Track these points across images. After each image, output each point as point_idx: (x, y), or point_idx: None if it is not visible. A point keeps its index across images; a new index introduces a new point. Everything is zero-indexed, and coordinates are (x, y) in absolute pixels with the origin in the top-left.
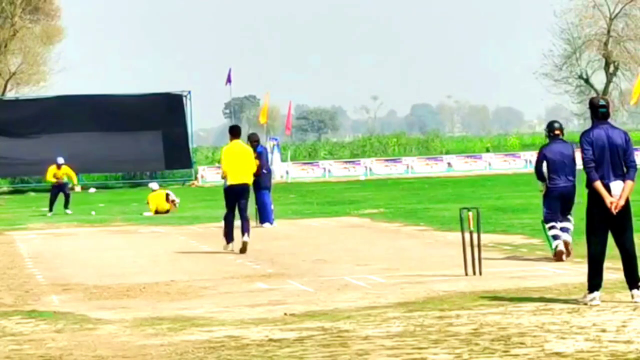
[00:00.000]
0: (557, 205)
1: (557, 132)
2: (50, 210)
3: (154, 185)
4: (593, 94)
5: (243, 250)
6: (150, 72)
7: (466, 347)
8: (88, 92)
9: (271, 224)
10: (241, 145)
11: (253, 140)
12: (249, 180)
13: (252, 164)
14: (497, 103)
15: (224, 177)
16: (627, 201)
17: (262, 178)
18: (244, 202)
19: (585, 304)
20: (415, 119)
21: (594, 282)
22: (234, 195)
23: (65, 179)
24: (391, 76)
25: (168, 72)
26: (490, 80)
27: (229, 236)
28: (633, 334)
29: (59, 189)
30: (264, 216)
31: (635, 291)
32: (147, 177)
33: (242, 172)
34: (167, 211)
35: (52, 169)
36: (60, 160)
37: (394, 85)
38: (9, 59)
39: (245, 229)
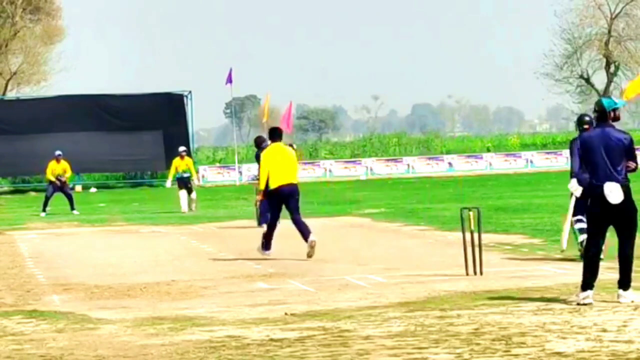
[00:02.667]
0: (582, 200)
1: (586, 126)
2: (44, 210)
3: (180, 147)
4: (594, 94)
5: (311, 254)
6: (151, 72)
7: (467, 346)
8: (89, 91)
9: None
10: (283, 148)
11: (263, 141)
12: (296, 179)
13: (296, 165)
14: (498, 103)
15: (259, 191)
16: (633, 206)
17: None
18: (294, 202)
19: (578, 303)
20: (416, 118)
21: (588, 281)
22: (280, 198)
23: (63, 176)
24: (392, 76)
25: (169, 72)
26: (491, 80)
27: (267, 244)
28: (634, 334)
29: (56, 188)
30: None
31: (621, 291)
32: (148, 176)
33: (288, 172)
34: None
35: (51, 164)
36: (58, 152)
37: (395, 85)
38: (9, 59)
39: (304, 232)
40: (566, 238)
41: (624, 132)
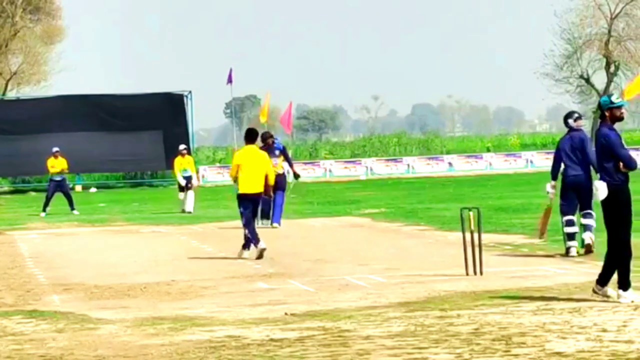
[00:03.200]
0: (570, 195)
1: (568, 127)
2: (44, 210)
3: (181, 146)
4: (594, 94)
5: (261, 256)
6: (150, 72)
7: (467, 346)
8: (89, 91)
9: (279, 224)
10: (257, 152)
11: (268, 137)
12: (262, 188)
13: (266, 171)
14: (498, 103)
15: (235, 181)
16: (614, 208)
17: (280, 178)
18: (256, 209)
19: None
20: (416, 118)
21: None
22: (249, 202)
23: (61, 171)
24: (392, 76)
25: (169, 72)
26: (491, 80)
27: (253, 242)
28: (634, 334)
29: (56, 186)
30: (276, 216)
31: (620, 291)
32: (148, 176)
33: (257, 181)
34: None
35: (49, 161)
36: (55, 148)
37: (395, 85)
38: (9, 59)
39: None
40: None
41: (610, 133)
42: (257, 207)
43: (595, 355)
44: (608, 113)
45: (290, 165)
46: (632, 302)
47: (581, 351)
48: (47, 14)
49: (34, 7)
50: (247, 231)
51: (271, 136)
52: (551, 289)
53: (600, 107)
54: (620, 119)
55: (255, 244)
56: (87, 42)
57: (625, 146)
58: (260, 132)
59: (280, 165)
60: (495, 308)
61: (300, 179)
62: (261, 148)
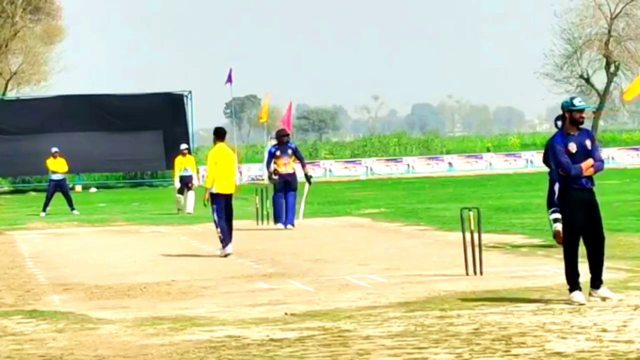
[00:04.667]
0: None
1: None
2: (44, 210)
3: (182, 145)
4: (594, 94)
5: (222, 255)
6: (150, 72)
7: (467, 346)
8: (89, 91)
9: (293, 226)
10: (228, 151)
11: (283, 135)
12: (234, 189)
13: (236, 171)
14: (498, 103)
15: (209, 187)
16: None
17: (292, 178)
18: (231, 210)
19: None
20: (416, 118)
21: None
22: (222, 201)
23: (61, 171)
24: (392, 76)
25: (169, 72)
26: (491, 80)
27: (223, 241)
28: (634, 334)
29: (56, 186)
30: (290, 217)
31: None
32: (148, 176)
33: (229, 180)
34: (187, 183)
35: (49, 161)
36: (54, 149)
37: (395, 85)
38: (9, 59)
39: (228, 237)
40: None
41: (556, 138)
42: (230, 206)
43: (595, 355)
44: (568, 115)
45: (303, 166)
46: (578, 303)
47: (581, 351)
48: (47, 14)
49: (34, 7)
50: (218, 231)
51: (286, 135)
52: (551, 289)
53: (562, 108)
54: (579, 122)
55: (224, 246)
56: (87, 42)
57: (574, 150)
58: (260, 133)
59: (291, 165)
60: (495, 308)
61: (312, 181)
62: (274, 146)
